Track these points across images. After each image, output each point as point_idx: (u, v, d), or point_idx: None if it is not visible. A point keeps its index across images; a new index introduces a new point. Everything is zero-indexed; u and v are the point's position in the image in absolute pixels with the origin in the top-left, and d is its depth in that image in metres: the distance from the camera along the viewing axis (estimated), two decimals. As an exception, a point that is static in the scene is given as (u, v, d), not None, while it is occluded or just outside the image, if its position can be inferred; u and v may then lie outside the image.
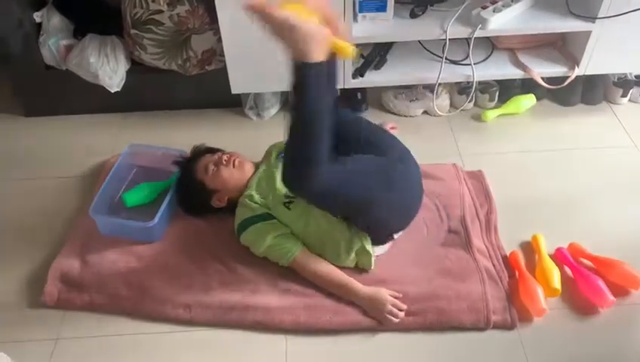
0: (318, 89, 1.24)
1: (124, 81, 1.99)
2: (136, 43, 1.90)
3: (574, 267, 1.55)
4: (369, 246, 1.51)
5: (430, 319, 1.45)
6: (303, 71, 1.21)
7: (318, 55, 1.20)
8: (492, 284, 1.51)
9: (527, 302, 1.47)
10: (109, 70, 1.94)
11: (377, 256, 1.56)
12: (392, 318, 1.44)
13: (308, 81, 1.22)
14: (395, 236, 1.57)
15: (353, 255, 1.52)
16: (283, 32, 1.18)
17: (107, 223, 1.66)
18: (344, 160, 1.43)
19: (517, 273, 1.55)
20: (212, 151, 1.74)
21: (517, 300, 1.48)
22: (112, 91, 1.98)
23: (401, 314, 1.44)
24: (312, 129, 1.27)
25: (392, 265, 1.56)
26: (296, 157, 1.31)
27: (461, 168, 1.86)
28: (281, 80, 1.95)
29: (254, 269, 1.56)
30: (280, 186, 1.56)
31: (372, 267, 1.54)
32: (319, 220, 1.52)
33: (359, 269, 1.55)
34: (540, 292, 1.48)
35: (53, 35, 1.94)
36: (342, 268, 1.53)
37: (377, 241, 1.54)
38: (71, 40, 1.98)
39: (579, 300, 1.50)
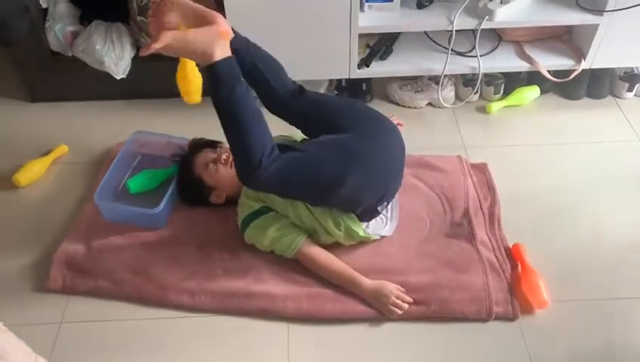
0: (229, 83, 1.31)
1: (129, 68, 1.99)
2: (142, 30, 1.90)
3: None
4: (354, 224, 1.51)
5: (433, 309, 1.46)
6: (210, 71, 1.30)
7: (218, 53, 1.29)
8: (494, 276, 1.52)
9: (529, 293, 1.48)
10: (115, 57, 1.94)
11: (383, 236, 1.58)
12: (396, 310, 1.44)
13: (217, 77, 1.31)
14: (380, 209, 1.53)
15: (343, 231, 1.52)
16: (180, 51, 1.29)
17: (112, 209, 1.66)
18: (296, 146, 1.46)
19: (519, 265, 1.55)
20: (212, 144, 1.71)
21: (519, 292, 1.49)
22: (118, 78, 1.98)
23: (405, 306, 1.45)
24: (237, 124, 1.34)
25: (396, 255, 1.57)
26: (237, 156, 1.37)
27: (466, 160, 1.86)
28: (285, 69, 1.95)
29: (258, 256, 1.57)
30: None
31: (364, 235, 1.53)
32: (308, 205, 1.51)
33: (364, 246, 1.56)
34: (542, 284, 1.48)
35: (60, 21, 1.94)
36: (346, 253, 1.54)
37: (362, 218, 1.53)
38: (77, 26, 1.98)
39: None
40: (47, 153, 1.89)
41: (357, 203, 1.49)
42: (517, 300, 1.48)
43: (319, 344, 1.43)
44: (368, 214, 1.53)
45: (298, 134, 1.64)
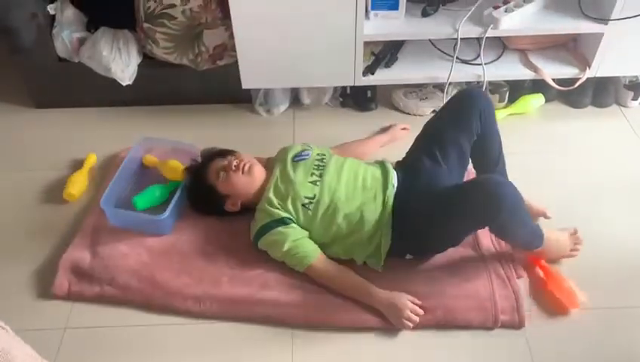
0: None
1: (135, 75, 2.00)
2: (148, 37, 1.91)
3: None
4: (383, 253, 1.51)
5: (438, 317, 1.45)
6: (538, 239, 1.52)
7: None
8: (500, 284, 1.51)
9: (562, 295, 1.48)
10: (121, 63, 1.95)
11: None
12: (409, 324, 1.43)
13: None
14: (407, 258, 1.56)
15: (364, 258, 1.53)
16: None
17: (118, 216, 1.66)
18: None
19: (540, 271, 1.55)
20: (223, 153, 1.70)
21: (549, 296, 1.49)
22: (124, 85, 1.99)
23: (417, 319, 1.44)
24: None
25: (401, 263, 1.56)
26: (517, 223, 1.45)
27: (470, 169, 1.85)
28: (291, 76, 1.97)
29: (265, 263, 1.56)
30: (299, 188, 1.55)
31: (379, 270, 1.54)
32: (341, 224, 1.51)
33: (367, 267, 1.55)
34: (572, 283, 1.50)
35: (67, 28, 1.95)
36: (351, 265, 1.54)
37: (393, 254, 1.52)
38: (84, 33, 1.99)
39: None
40: (81, 165, 1.88)
41: (419, 250, 1.55)
42: (548, 302, 1.48)
43: (322, 351, 1.43)
44: (400, 256, 1.55)
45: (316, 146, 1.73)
